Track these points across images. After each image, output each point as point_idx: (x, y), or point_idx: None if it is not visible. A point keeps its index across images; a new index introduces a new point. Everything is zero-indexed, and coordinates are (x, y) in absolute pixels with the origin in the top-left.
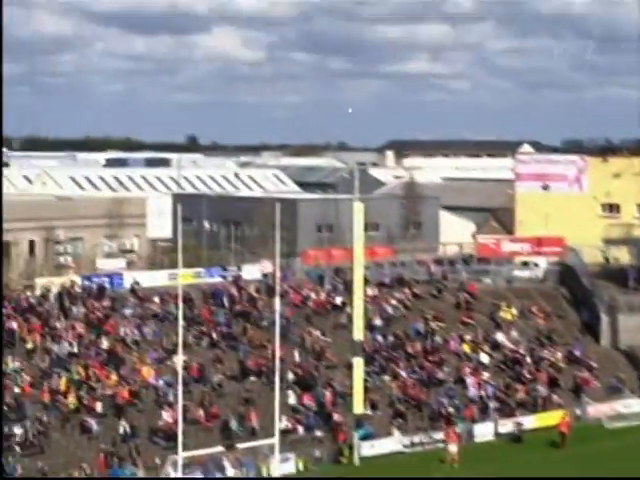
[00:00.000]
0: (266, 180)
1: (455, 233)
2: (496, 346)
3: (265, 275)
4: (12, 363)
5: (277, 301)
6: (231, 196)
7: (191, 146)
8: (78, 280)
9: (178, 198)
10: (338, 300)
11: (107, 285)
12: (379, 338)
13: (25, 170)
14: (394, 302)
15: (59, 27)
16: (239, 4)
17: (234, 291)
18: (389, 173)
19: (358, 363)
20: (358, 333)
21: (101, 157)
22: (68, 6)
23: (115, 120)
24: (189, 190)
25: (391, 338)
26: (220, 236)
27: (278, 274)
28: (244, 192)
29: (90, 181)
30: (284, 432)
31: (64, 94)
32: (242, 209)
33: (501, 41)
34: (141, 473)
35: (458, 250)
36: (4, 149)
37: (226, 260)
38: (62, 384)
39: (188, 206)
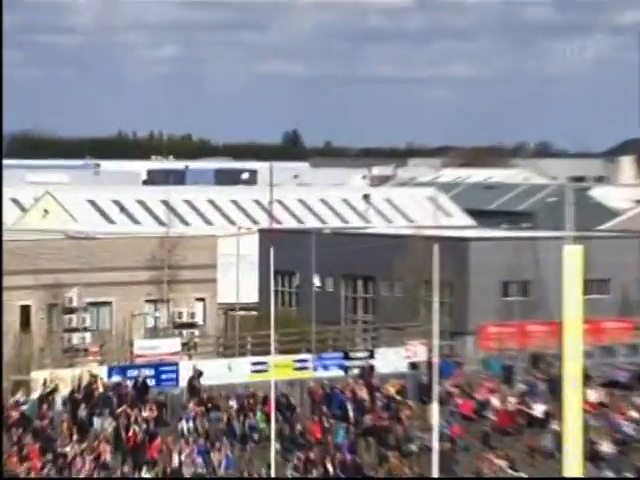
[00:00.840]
0: (416, 206)
1: None
2: None
3: (414, 366)
4: None
5: (435, 409)
6: (357, 233)
7: (291, 150)
8: (103, 373)
9: (269, 237)
10: (538, 409)
11: (151, 382)
12: (610, 475)
13: (17, 190)
14: (635, 415)
15: None
16: None
17: (362, 393)
18: (626, 195)
19: None
20: (573, 466)
21: (142, 168)
22: None
23: (163, 107)
24: (288, 223)
25: (630, 475)
26: (339, 299)
27: (436, 364)
28: (378, 226)
29: (123, 208)
30: None
31: (79, 63)
32: (375, 254)
33: None
34: None
35: None
36: None
37: (349, 340)
38: None
39: (286, 250)
